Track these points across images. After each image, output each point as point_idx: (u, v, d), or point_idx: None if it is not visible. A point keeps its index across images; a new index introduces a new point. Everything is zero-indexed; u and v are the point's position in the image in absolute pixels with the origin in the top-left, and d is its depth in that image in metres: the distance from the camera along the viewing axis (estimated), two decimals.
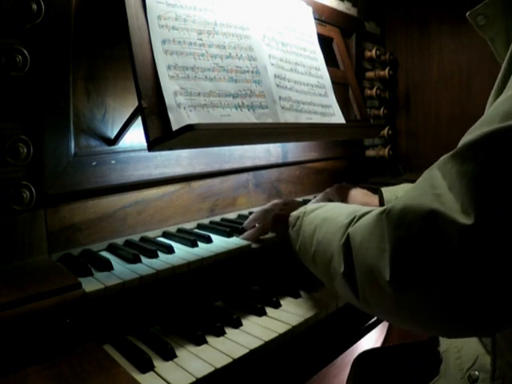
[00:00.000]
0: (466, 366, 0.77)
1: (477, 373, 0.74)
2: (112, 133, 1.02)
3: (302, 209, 0.93)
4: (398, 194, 1.17)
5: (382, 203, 1.18)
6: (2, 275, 0.76)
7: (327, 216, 0.80)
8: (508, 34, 0.74)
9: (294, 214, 0.93)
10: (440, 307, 0.54)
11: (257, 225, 1.11)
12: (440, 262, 0.52)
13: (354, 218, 0.70)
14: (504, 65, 0.64)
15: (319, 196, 1.32)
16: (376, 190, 1.25)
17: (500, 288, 0.50)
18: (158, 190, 1.10)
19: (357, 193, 1.26)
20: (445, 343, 0.90)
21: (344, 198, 1.25)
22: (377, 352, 1.23)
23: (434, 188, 0.55)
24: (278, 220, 1.03)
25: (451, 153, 0.56)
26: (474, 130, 0.55)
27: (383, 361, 1.12)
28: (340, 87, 1.55)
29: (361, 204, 1.21)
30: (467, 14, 0.80)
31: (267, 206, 1.14)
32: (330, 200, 1.27)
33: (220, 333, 0.82)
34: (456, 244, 0.50)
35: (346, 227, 0.70)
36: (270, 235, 1.09)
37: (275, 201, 1.16)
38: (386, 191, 1.19)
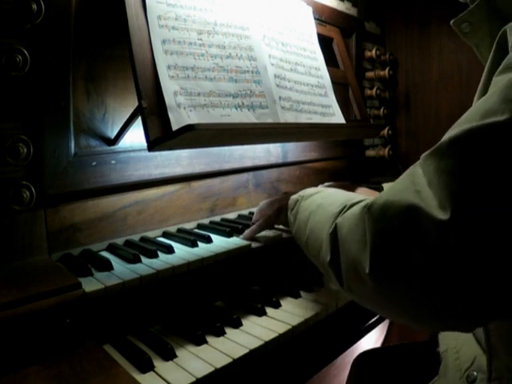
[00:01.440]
0: (465, 366, 0.77)
1: (475, 373, 0.75)
2: (112, 133, 1.02)
3: (300, 192, 0.94)
4: None
5: None
6: (2, 275, 0.76)
7: (322, 203, 0.81)
8: (492, 38, 0.74)
9: (294, 197, 0.95)
10: (419, 300, 0.56)
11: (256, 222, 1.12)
12: (418, 257, 0.53)
13: (345, 207, 0.71)
14: (486, 67, 0.64)
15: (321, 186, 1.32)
16: (376, 190, 1.25)
17: (478, 282, 0.51)
18: (158, 190, 1.10)
19: (356, 190, 1.26)
20: (444, 344, 0.90)
21: None
22: (377, 352, 1.23)
23: (414, 184, 0.56)
24: (280, 210, 1.04)
25: (431, 149, 0.57)
26: (454, 127, 0.56)
27: (383, 361, 1.12)
28: (340, 87, 1.55)
29: None
30: (451, 22, 0.80)
31: (268, 200, 1.14)
32: None
33: (220, 333, 0.82)
34: (434, 239, 0.51)
35: (335, 216, 0.71)
36: (270, 234, 1.10)
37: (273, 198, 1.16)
38: (387, 186, 1.20)
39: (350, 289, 0.67)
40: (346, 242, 0.65)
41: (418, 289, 0.55)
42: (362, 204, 0.65)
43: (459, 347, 0.82)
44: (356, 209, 0.66)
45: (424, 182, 0.55)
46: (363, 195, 0.78)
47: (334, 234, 0.69)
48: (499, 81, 0.55)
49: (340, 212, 0.71)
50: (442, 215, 0.50)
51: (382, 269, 0.57)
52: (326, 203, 0.80)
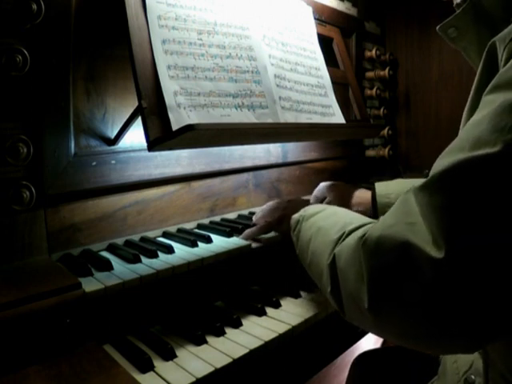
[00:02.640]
0: (462, 369, 0.77)
1: (473, 377, 0.74)
2: (112, 133, 1.02)
3: (302, 212, 0.92)
4: (389, 187, 1.18)
5: (374, 198, 1.19)
6: (2, 275, 0.76)
7: (322, 226, 0.80)
8: (479, 42, 0.73)
9: (295, 217, 0.93)
10: (419, 331, 0.55)
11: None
12: (415, 291, 0.53)
13: (343, 234, 0.71)
14: (476, 80, 0.63)
15: (315, 192, 1.32)
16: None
17: (476, 314, 0.50)
18: (158, 190, 1.10)
19: (350, 190, 1.26)
20: None
21: (337, 196, 1.25)
22: (376, 353, 1.23)
23: (408, 215, 0.56)
24: (282, 220, 1.04)
25: (421, 183, 0.56)
26: (444, 156, 0.55)
27: (382, 362, 1.12)
28: (340, 87, 1.55)
29: (354, 202, 1.22)
30: (437, 27, 0.79)
31: (273, 203, 1.14)
32: (324, 198, 1.27)
33: (220, 333, 0.82)
34: (429, 276, 0.51)
35: (334, 244, 0.71)
36: (269, 235, 1.10)
37: (278, 201, 1.16)
38: (379, 186, 1.20)
39: (352, 319, 0.68)
40: (345, 273, 0.65)
41: (414, 321, 0.54)
42: (359, 234, 0.64)
43: None
44: (352, 240, 0.65)
45: (417, 212, 0.55)
46: (363, 217, 0.77)
47: (333, 264, 0.68)
48: (489, 101, 0.53)
49: (339, 239, 0.71)
50: (437, 253, 0.50)
51: (380, 303, 0.57)
52: (325, 226, 0.79)
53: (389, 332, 0.62)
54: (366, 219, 0.75)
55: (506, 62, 0.55)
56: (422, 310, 0.53)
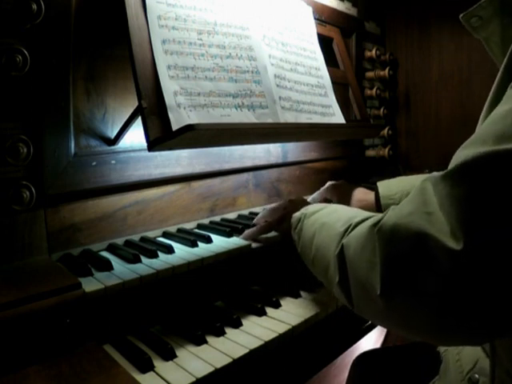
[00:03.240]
0: (466, 368, 0.76)
1: (477, 376, 0.74)
2: (112, 133, 1.02)
3: (303, 210, 0.93)
4: (392, 188, 1.18)
5: (377, 198, 1.20)
6: (2, 275, 0.76)
7: (325, 221, 0.80)
8: (503, 33, 0.74)
9: (296, 215, 0.94)
10: (431, 320, 0.55)
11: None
12: (430, 281, 0.53)
13: (350, 226, 0.71)
14: (500, 72, 0.63)
15: (315, 194, 1.32)
16: (371, 190, 1.25)
17: (491, 306, 0.51)
18: (158, 190, 1.10)
19: (352, 191, 1.26)
20: None
21: (340, 197, 1.25)
22: (377, 353, 1.23)
23: (425, 205, 0.55)
24: (282, 219, 1.04)
25: (443, 173, 0.55)
26: (467, 147, 0.55)
27: (383, 362, 1.12)
28: (340, 87, 1.55)
29: (357, 201, 1.22)
30: (460, 16, 0.79)
31: (275, 205, 1.14)
32: (326, 199, 1.27)
33: (220, 333, 0.82)
34: (445, 267, 0.51)
35: (341, 236, 0.71)
36: (269, 235, 1.10)
37: (279, 203, 1.16)
38: (381, 185, 1.20)
39: (360, 308, 0.67)
40: (354, 262, 0.65)
41: (428, 310, 0.54)
42: (369, 223, 0.64)
43: (460, 348, 0.82)
44: (363, 229, 0.65)
45: (435, 202, 0.54)
46: (366, 212, 0.77)
47: (341, 254, 0.68)
48: None
49: (345, 231, 0.71)
50: (454, 245, 0.50)
51: (393, 290, 0.57)
52: (329, 221, 0.79)
53: (397, 321, 0.61)
54: (370, 213, 0.74)
55: None
56: (436, 300, 0.53)
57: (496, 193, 0.49)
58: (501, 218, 0.48)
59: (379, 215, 0.64)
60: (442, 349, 0.91)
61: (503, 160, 0.49)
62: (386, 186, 1.20)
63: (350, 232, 0.69)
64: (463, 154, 0.53)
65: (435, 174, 0.57)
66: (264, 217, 1.13)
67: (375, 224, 0.62)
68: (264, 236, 1.08)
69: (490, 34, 0.77)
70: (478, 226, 0.49)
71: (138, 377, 0.68)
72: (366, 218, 0.69)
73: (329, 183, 1.33)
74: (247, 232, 1.08)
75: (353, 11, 1.80)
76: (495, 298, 0.50)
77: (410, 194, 0.61)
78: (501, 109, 0.54)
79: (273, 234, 1.11)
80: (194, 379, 0.68)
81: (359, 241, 0.64)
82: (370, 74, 1.89)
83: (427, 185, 0.57)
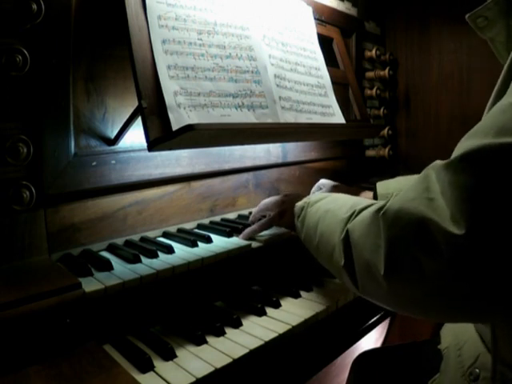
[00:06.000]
0: (467, 363, 0.77)
1: (477, 370, 0.75)
2: (112, 133, 1.02)
3: (306, 199, 0.95)
4: (390, 187, 1.20)
5: (375, 197, 1.21)
6: (2, 275, 0.76)
7: (329, 208, 0.83)
8: (509, 33, 0.75)
9: (299, 204, 0.96)
10: (433, 301, 0.58)
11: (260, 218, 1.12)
12: (432, 265, 0.55)
13: (354, 212, 0.74)
14: (505, 67, 0.64)
15: (314, 188, 1.33)
16: (369, 190, 1.26)
17: (491, 287, 0.52)
18: (158, 190, 1.10)
19: (351, 191, 1.26)
20: (446, 341, 0.90)
21: None
22: (377, 352, 1.23)
23: (428, 191, 0.58)
24: (283, 213, 1.06)
25: (445, 162, 0.57)
26: (469, 138, 0.57)
27: (383, 361, 1.12)
28: (340, 87, 1.55)
29: None
30: (467, 16, 0.80)
31: (269, 200, 1.15)
32: None
33: (220, 333, 0.82)
34: (446, 251, 0.53)
35: (345, 222, 0.74)
36: (269, 235, 1.10)
37: (274, 197, 1.16)
38: (380, 186, 1.22)
39: (365, 290, 0.70)
40: (359, 245, 0.68)
41: (430, 291, 0.57)
42: (373, 209, 0.66)
43: (462, 344, 0.82)
44: (367, 214, 0.68)
45: (437, 189, 0.56)
46: (368, 200, 0.80)
47: (346, 239, 0.71)
48: None
49: (350, 217, 0.74)
50: (455, 229, 0.51)
51: (396, 272, 0.60)
52: (333, 208, 0.82)
53: (401, 301, 0.64)
54: (372, 201, 0.77)
55: None
56: (437, 279, 0.55)
57: (495, 183, 0.51)
58: (500, 205, 0.50)
59: (382, 202, 0.67)
60: (442, 346, 0.91)
61: (501, 153, 0.51)
62: (384, 185, 1.21)
63: (354, 218, 0.72)
64: (466, 144, 0.55)
65: (438, 162, 0.59)
66: (260, 211, 1.13)
67: (380, 209, 0.64)
68: (264, 236, 1.08)
69: (496, 35, 0.78)
70: (479, 212, 0.51)
71: (138, 377, 0.69)
72: (370, 205, 0.72)
73: (321, 181, 1.34)
74: (247, 231, 1.07)
75: (353, 11, 1.81)
76: (493, 280, 0.52)
77: (414, 180, 0.63)
78: (503, 102, 0.56)
79: (272, 233, 1.11)
80: (194, 379, 0.68)
81: (364, 225, 0.67)
82: (369, 74, 1.89)
83: (430, 172, 0.59)
